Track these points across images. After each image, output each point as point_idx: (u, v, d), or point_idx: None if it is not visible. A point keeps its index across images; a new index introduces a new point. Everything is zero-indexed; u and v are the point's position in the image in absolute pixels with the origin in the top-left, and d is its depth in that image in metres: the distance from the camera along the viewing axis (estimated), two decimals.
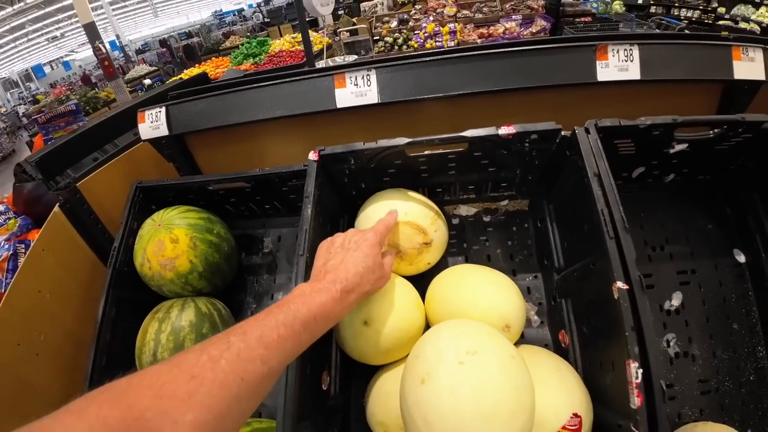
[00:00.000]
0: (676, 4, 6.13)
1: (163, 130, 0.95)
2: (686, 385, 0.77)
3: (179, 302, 0.82)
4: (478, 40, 4.32)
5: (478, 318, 0.64)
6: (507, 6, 4.60)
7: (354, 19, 5.31)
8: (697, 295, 0.81)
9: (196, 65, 6.68)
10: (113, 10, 12.98)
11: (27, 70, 17.40)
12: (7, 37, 13.04)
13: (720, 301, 0.81)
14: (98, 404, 0.33)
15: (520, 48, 0.81)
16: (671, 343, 0.78)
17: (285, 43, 5.21)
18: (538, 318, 0.80)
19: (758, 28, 4.95)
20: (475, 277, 0.73)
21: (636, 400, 0.47)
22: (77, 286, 0.93)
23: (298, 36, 5.17)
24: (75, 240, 0.94)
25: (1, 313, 0.76)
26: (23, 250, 0.94)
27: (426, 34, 4.44)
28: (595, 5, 5.32)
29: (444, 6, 4.79)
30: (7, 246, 0.93)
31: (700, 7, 5.95)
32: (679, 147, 0.69)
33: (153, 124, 0.96)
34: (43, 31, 14.31)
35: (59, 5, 11.88)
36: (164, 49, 12.92)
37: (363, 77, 0.84)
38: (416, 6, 5.23)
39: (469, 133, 0.68)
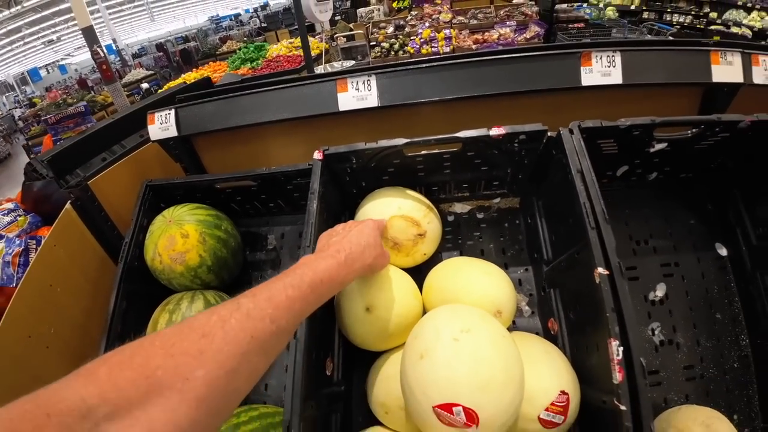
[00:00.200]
0: (668, 10, 6.19)
1: (172, 132, 0.99)
2: (672, 371, 0.80)
3: (189, 294, 0.86)
4: (474, 46, 4.38)
5: (471, 304, 0.68)
6: (501, 12, 4.68)
7: (351, 25, 5.37)
8: (680, 287, 0.85)
9: (194, 69, 6.69)
10: (110, 14, 12.95)
11: (23, 74, 17.34)
12: (4, 41, 13.00)
13: (703, 292, 0.84)
14: (108, 366, 0.32)
15: (511, 55, 0.85)
16: (656, 332, 0.82)
17: (282, 48, 5.24)
18: (529, 308, 0.84)
19: (750, 32, 5.00)
20: (469, 268, 0.77)
21: (618, 376, 0.51)
22: (86, 281, 0.96)
23: (296, 41, 5.20)
24: (85, 236, 0.97)
25: (13, 306, 0.78)
26: (34, 246, 0.96)
27: (422, 40, 4.49)
28: (588, 11, 5.40)
29: (440, 12, 4.86)
30: (18, 242, 0.96)
31: (692, 13, 5.96)
32: (659, 146, 0.74)
33: (162, 125, 0.99)
34: (40, 35, 14.27)
35: (56, 9, 11.87)
36: (161, 54, 12.92)
37: (364, 82, 0.89)
38: (412, 12, 5.29)
39: (462, 134, 0.72)
